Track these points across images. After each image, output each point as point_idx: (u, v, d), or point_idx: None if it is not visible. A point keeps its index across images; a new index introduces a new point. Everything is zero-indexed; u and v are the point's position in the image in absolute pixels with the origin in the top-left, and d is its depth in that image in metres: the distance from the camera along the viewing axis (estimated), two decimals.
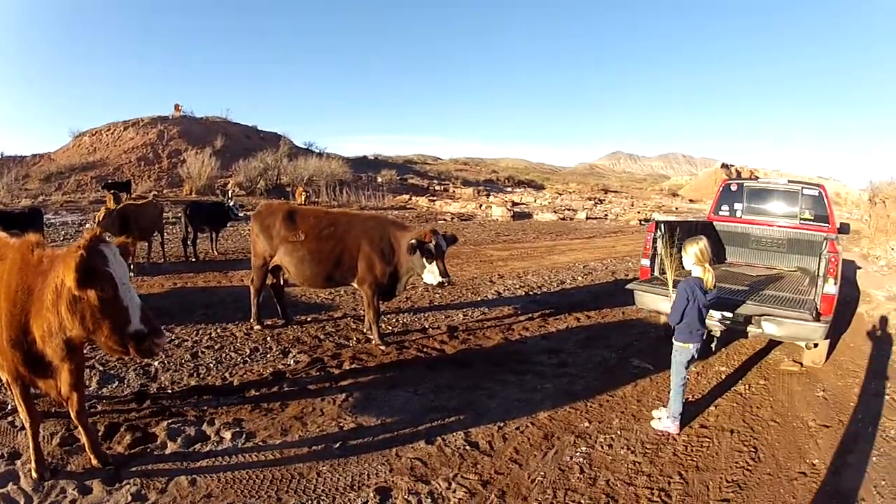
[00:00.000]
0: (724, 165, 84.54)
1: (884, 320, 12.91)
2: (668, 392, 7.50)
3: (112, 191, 28.93)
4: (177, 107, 61.56)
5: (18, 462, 5.83)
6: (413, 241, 9.32)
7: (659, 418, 7.47)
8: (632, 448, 6.73)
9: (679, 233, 11.04)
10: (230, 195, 26.35)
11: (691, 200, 71.85)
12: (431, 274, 9.42)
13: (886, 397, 8.81)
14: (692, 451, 6.76)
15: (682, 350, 7.29)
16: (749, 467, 6.44)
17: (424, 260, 9.39)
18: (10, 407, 6.92)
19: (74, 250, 4.59)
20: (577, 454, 6.52)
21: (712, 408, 8.04)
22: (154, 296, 12.85)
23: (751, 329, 9.00)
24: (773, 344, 10.88)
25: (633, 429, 7.24)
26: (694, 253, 7.19)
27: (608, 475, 6.09)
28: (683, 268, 8.22)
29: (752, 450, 6.86)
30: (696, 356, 7.39)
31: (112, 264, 4.69)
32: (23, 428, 6.10)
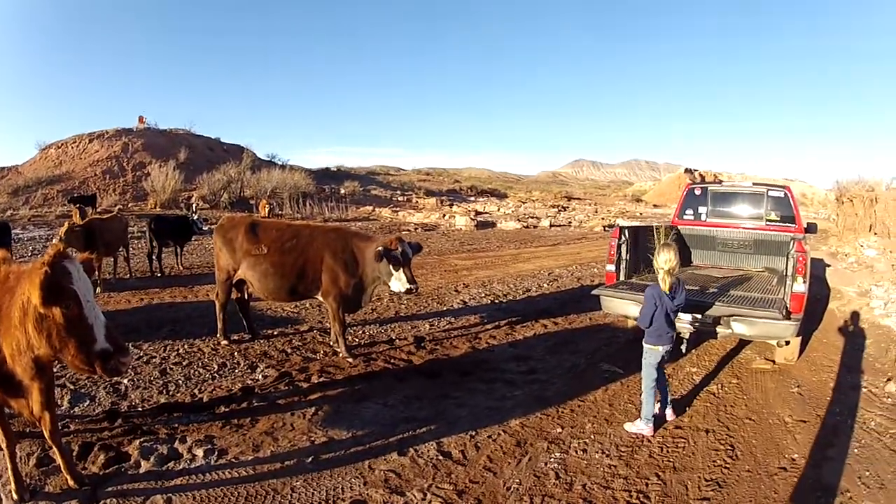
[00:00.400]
0: (687, 170, 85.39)
1: (855, 315, 13.13)
2: (640, 395, 7.53)
3: (78, 205, 29.23)
4: (141, 119, 61.76)
5: None
6: (380, 248, 9.30)
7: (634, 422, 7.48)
8: (606, 452, 6.70)
9: (643, 238, 11.20)
10: (194, 209, 26.40)
11: (655, 205, 72.44)
12: (399, 281, 9.40)
13: (864, 390, 8.90)
14: (668, 452, 6.74)
15: (651, 352, 7.40)
16: (727, 465, 6.44)
17: (391, 267, 9.37)
18: None
19: (39, 267, 4.53)
20: (552, 460, 6.47)
21: (686, 408, 8.03)
22: (121, 312, 12.71)
23: (720, 329, 9.07)
24: (743, 343, 10.95)
25: (607, 433, 7.21)
26: (662, 260, 7.24)
27: (584, 479, 6.06)
28: (647, 272, 8.28)
29: (729, 448, 6.87)
30: (666, 358, 7.48)
31: (76, 281, 4.61)
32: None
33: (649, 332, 7.36)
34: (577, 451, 6.69)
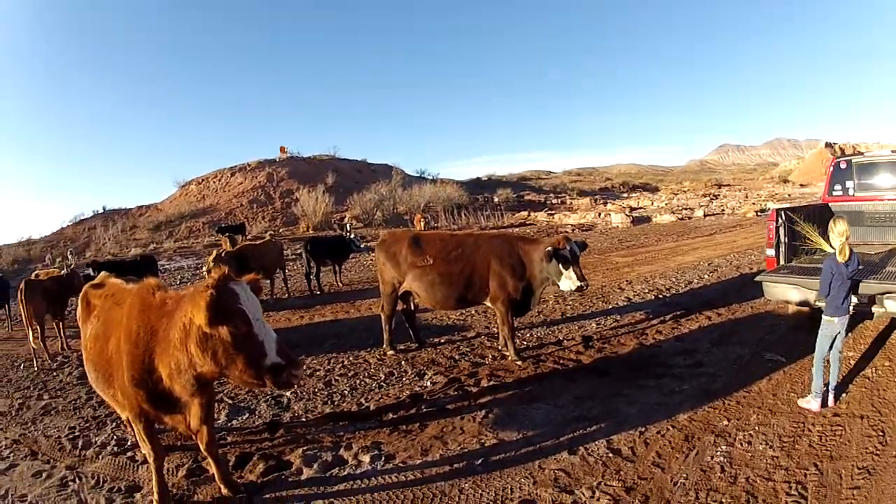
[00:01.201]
0: (828, 144, 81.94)
1: None
2: (806, 380, 7.72)
3: (227, 234, 30.06)
4: (282, 149, 62.92)
5: (138, 495, 6.08)
6: (549, 249, 9.31)
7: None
8: (770, 443, 6.58)
9: (799, 217, 10.81)
10: (349, 228, 26.67)
11: (801, 185, 69.76)
12: (569, 280, 9.36)
13: None
14: (826, 440, 6.58)
15: (827, 323, 7.39)
16: (878, 452, 6.24)
17: (560, 266, 9.35)
18: (129, 443, 7.24)
19: (203, 290, 4.69)
20: (718, 453, 6.42)
21: (843, 394, 7.78)
22: (281, 330, 12.35)
23: (875, 308, 8.66)
24: (892, 324, 10.44)
25: (771, 423, 7.08)
26: (838, 231, 7.42)
27: (748, 472, 5.99)
28: (804, 254, 8.17)
29: (881, 433, 6.64)
30: (842, 332, 7.45)
31: (244, 301, 4.76)
32: (143, 462, 6.40)
33: (827, 302, 7.36)
34: (742, 444, 6.60)
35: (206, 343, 4.72)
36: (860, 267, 7.94)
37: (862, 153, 13.45)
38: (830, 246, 7.74)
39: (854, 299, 8.10)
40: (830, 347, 7.44)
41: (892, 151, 13.03)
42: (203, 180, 57.35)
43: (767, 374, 8.75)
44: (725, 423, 7.19)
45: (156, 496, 5.71)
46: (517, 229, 37.05)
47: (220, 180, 56.69)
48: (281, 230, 42.18)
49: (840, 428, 6.87)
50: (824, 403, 7.44)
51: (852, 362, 8.98)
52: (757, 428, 6.99)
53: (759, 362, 9.30)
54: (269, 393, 8.76)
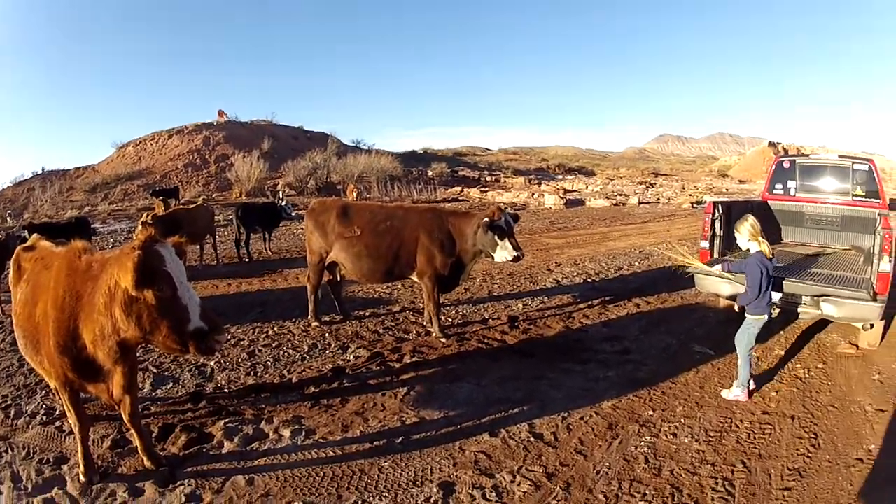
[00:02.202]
0: (771, 144, 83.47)
1: None
2: (734, 374, 7.86)
3: (161, 197, 29.67)
4: (220, 112, 62.19)
5: (65, 467, 5.91)
6: (485, 220, 9.32)
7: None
8: (696, 436, 6.64)
9: (735, 213, 10.87)
10: (281, 195, 26.51)
11: (741, 181, 71.16)
12: (505, 251, 9.37)
13: None
14: (755, 438, 6.65)
15: (757, 322, 7.58)
16: (809, 454, 6.33)
17: (496, 237, 9.34)
18: (57, 412, 7.03)
19: (129, 251, 4.60)
20: (642, 444, 6.45)
21: (773, 393, 7.90)
22: (208, 298, 12.48)
23: (808, 310, 8.92)
24: (824, 325, 10.68)
25: (697, 416, 7.15)
26: (747, 230, 7.54)
27: (672, 465, 6.02)
28: (739, 248, 8.30)
29: (813, 436, 6.74)
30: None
31: (169, 263, 4.69)
32: (70, 433, 6.24)
33: (755, 302, 7.47)
34: (667, 435, 6.65)
35: (131, 307, 4.65)
36: (779, 276, 8.35)
37: (807, 154, 13.67)
38: (738, 248, 8.25)
39: (776, 297, 8.32)
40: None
41: (840, 156, 13.30)
42: (141, 142, 56.49)
43: (695, 366, 8.86)
44: (650, 413, 7.24)
45: (81, 468, 5.60)
46: (450, 204, 36.80)
47: (157, 143, 55.90)
48: (214, 195, 41.83)
49: (769, 427, 6.94)
50: (750, 395, 7.67)
51: (784, 361, 9.14)
52: (683, 420, 7.05)
53: (687, 354, 9.42)
54: (194, 362, 8.66)
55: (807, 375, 8.60)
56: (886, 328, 10.06)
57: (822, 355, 9.47)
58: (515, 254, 9.38)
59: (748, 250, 7.80)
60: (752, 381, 7.81)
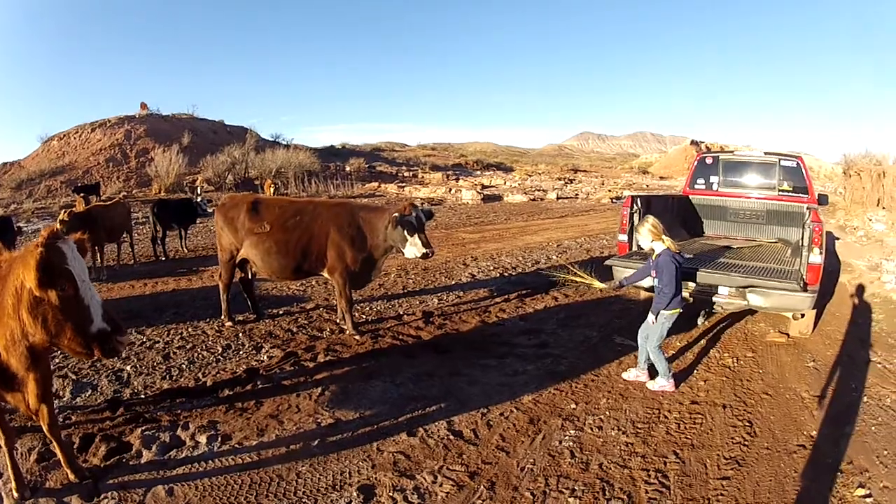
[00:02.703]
0: (693, 142, 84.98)
1: (867, 289, 12.97)
2: (646, 360, 7.92)
3: (81, 194, 28.98)
4: (143, 105, 61.05)
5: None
6: (395, 215, 9.18)
7: (636, 378, 7.94)
8: (622, 429, 6.51)
9: (655, 207, 10.96)
10: (199, 191, 26.25)
11: (661, 177, 72.26)
12: (414, 247, 9.22)
13: (878, 365, 8.70)
14: (686, 428, 6.55)
15: (671, 316, 7.55)
16: (746, 442, 6.27)
17: (406, 233, 9.19)
18: None
19: (32, 249, 4.41)
20: (566, 438, 6.29)
21: (702, 383, 7.86)
22: (124, 299, 12.51)
23: (734, 301, 8.95)
24: (746, 314, 10.81)
25: (623, 408, 7.03)
26: (648, 229, 7.65)
27: (601, 458, 5.87)
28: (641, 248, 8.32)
29: (747, 424, 6.69)
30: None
31: (71, 261, 4.48)
32: None
33: (673, 297, 7.43)
34: (592, 429, 6.51)
35: (37, 308, 4.48)
36: (697, 267, 8.69)
37: (731, 151, 13.86)
38: (639, 247, 8.59)
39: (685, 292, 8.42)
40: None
41: (765, 153, 13.59)
42: (65, 136, 55.30)
43: (617, 357, 8.80)
44: (573, 406, 7.11)
45: (13, 483, 5.34)
46: (366, 200, 36.85)
47: (80, 136, 54.77)
48: (134, 191, 41.50)
49: (700, 416, 6.86)
50: (676, 384, 7.74)
51: (710, 351, 9.13)
52: (608, 413, 6.93)
53: (609, 346, 9.38)
54: (110, 367, 8.39)
55: (736, 364, 8.58)
56: (818, 317, 10.18)
57: (750, 344, 9.49)
58: (424, 250, 9.22)
59: (652, 250, 7.81)
60: (648, 371, 7.91)
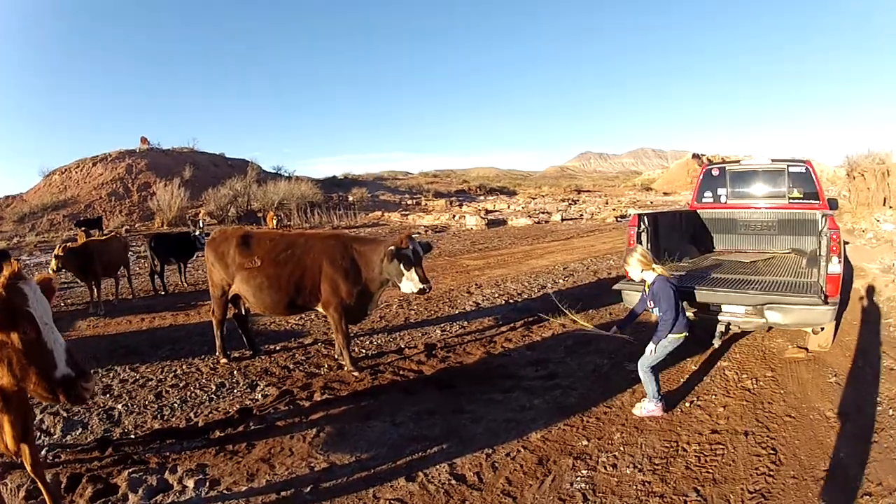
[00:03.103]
0: (695, 156, 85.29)
1: (883, 294, 12.59)
2: (671, 392, 7.80)
3: (83, 228, 29.63)
4: (143, 139, 62.12)
5: None
6: (391, 248, 8.90)
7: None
8: (638, 465, 6.05)
9: (662, 224, 10.70)
10: (201, 224, 26.28)
11: (665, 193, 72.41)
12: (411, 282, 8.94)
13: None
14: (706, 461, 6.09)
15: (676, 340, 7.30)
16: (771, 472, 5.81)
17: (402, 267, 8.90)
18: None
19: None
20: (578, 479, 5.83)
21: (721, 409, 7.40)
22: (120, 335, 12.32)
23: (751, 320, 8.51)
24: (763, 331, 10.31)
25: (638, 442, 6.57)
26: (637, 260, 7.48)
27: (615, 500, 5.41)
28: (667, 262, 8.17)
29: (772, 451, 6.24)
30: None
31: (32, 303, 4.25)
32: None
33: (677, 322, 7.17)
34: (605, 467, 6.04)
35: (2, 352, 4.29)
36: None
37: (737, 161, 13.43)
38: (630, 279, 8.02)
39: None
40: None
41: (772, 160, 13.05)
42: (66, 170, 56.48)
43: (629, 386, 8.32)
44: (585, 443, 6.66)
45: None
46: (370, 229, 37.25)
47: (81, 170, 55.92)
48: (137, 225, 42.32)
49: (721, 447, 6.42)
50: (666, 408, 7.43)
51: (728, 374, 8.69)
52: (622, 448, 6.47)
53: (620, 373, 8.94)
54: (102, 406, 8.22)
55: (756, 386, 8.14)
56: (836, 328, 9.72)
57: (769, 362, 9.06)
58: (421, 286, 8.95)
59: (643, 281, 7.59)
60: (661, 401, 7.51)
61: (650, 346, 7.24)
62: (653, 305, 7.35)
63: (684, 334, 7.28)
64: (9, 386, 4.41)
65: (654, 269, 7.36)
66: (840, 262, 8.07)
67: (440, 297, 14.85)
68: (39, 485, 5.30)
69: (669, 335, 7.20)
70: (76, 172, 55.42)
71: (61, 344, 4.34)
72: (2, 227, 43.08)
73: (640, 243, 10.08)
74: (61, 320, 13.24)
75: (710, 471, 5.88)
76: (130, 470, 6.30)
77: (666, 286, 7.21)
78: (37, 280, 4.53)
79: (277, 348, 10.83)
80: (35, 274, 20.81)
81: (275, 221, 35.77)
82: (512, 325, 11.94)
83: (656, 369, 7.36)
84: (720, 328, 8.85)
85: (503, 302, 14.37)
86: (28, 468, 5.09)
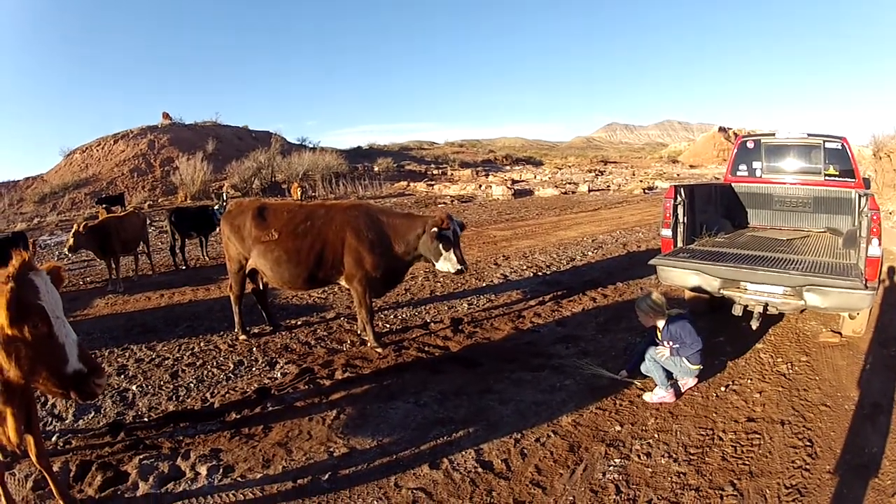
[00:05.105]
0: (721, 129, 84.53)
1: None
2: (709, 373, 7.61)
3: (104, 205, 29.01)
4: (165, 115, 61.91)
5: None
6: (434, 229, 8.72)
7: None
8: (673, 455, 5.77)
9: (698, 197, 10.43)
10: (225, 197, 26.04)
11: (692, 166, 71.93)
12: (448, 262, 8.82)
13: None
14: (743, 452, 5.81)
15: (692, 371, 7.18)
16: (807, 466, 5.53)
17: (442, 247, 8.74)
18: None
19: (3, 282, 4.08)
20: (611, 468, 5.57)
21: (757, 395, 7.10)
22: (138, 312, 12.10)
23: (790, 301, 8.03)
24: (801, 313, 9.78)
25: (673, 429, 6.30)
26: (650, 307, 7.22)
27: (650, 493, 5.14)
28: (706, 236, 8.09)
29: (808, 443, 5.95)
30: None
31: (44, 295, 4.15)
32: None
33: (696, 352, 7.07)
34: (639, 456, 5.77)
35: (10, 346, 4.16)
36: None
37: (773, 133, 12.96)
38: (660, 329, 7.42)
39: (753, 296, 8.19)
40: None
41: (808, 135, 12.51)
42: (87, 149, 56.07)
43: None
44: (618, 428, 6.39)
45: None
46: (395, 199, 37.24)
47: (102, 148, 55.57)
48: (160, 200, 42.12)
49: (757, 436, 6.13)
50: (678, 394, 7.22)
51: (763, 357, 8.39)
52: (656, 435, 6.20)
53: None
54: (116, 387, 8.00)
55: (791, 371, 7.83)
56: (870, 313, 9.27)
57: (803, 346, 8.73)
58: (459, 267, 8.86)
59: (655, 326, 7.32)
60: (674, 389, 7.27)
61: (665, 350, 7.02)
62: (672, 345, 7.05)
63: (700, 366, 7.15)
64: (16, 380, 4.30)
65: (665, 317, 7.17)
66: (881, 244, 7.72)
67: (468, 270, 14.45)
68: (46, 475, 5.25)
69: (687, 364, 7.04)
70: (97, 150, 55.37)
71: (73, 338, 4.22)
72: (23, 207, 43.15)
73: (677, 216, 9.78)
74: (80, 299, 13.35)
75: (747, 462, 5.62)
76: (142, 456, 6.15)
77: (685, 324, 7.06)
78: (46, 269, 4.41)
79: (298, 323, 10.63)
80: (56, 253, 20.96)
81: (300, 192, 35.86)
82: (541, 298, 11.69)
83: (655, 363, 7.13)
84: (758, 309, 8.46)
85: (531, 274, 14.13)
86: (33, 459, 5.04)
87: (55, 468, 5.47)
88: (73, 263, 18.25)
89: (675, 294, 10.81)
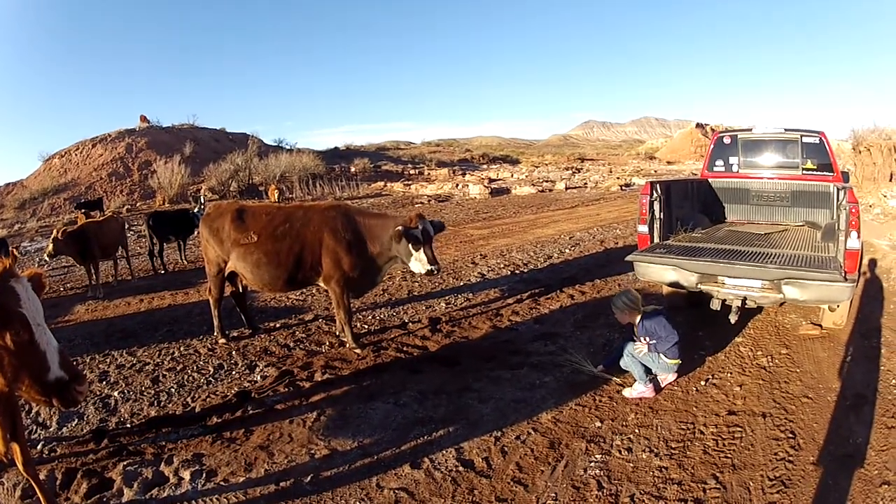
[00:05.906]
0: (698, 125, 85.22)
1: (893, 270, 12.41)
2: (690, 368, 7.69)
3: (83, 210, 28.91)
4: (142, 118, 61.61)
5: None
6: (399, 228, 8.62)
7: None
8: (654, 449, 5.79)
9: (675, 193, 10.45)
10: (202, 200, 26.02)
11: (669, 162, 72.32)
12: (419, 262, 8.70)
13: None
14: (724, 445, 5.85)
15: (671, 367, 7.25)
16: (790, 458, 5.56)
17: (411, 247, 8.67)
18: None
19: None
20: (592, 464, 5.58)
21: (738, 388, 7.14)
22: (118, 317, 12.07)
23: (768, 295, 8.10)
24: (780, 306, 9.91)
25: (654, 424, 6.32)
26: (626, 304, 7.34)
27: (632, 489, 5.15)
28: (682, 232, 8.43)
29: (790, 435, 5.99)
30: None
31: (25, 303, 4.07)
32: None
33: (675, 346, 7.16)
34: (620, 451, 5.79)
35: None
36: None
37: (749, 129, 13.02)
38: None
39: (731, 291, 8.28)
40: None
41: (786, 129, 12.65)
42: (66, 153, 55.84)
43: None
44: (598, 424, 6.41)
45: None
46: (373, 200, 37.31)
47: (81, 152, 55.36)
48: (138, 203, 42.06)
49: (739, 429, 6.17)
50: (657, 389, 7.24)
51: (743, 350, 8.46)
52: (637, 431, 6.23)
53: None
54: (98, 394, 7.96)
55: (771, 364, 7.88)
56: (851, 305, 9.37)
57: (783, 339, 8.81)
58: (429, 267, 8.69)
59: (630, 323, 7.45)
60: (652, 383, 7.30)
61: (643, 347, 7.05)
62: (648, 340, 7.09)
63: (678, 361, 7.21)
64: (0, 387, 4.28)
65: (640, 313, 7.26)
66: (859, 237, 7.77)
67: (444, 269, 14.47)
68: (33, 484, 5.18)
69: (665, 360, 7.10)
70: (76, 155, 55.09)
71: (54, 346, 4.17)
72: (3, 214, 43.02)
73: (653, 212, 9.83)
74: (60, 305, 13.25)
75: (729, 455, 5.65)
76: (126, 462, 6.12)
77: (660, 318, 7.14)
78: (27, 275, 4.33)
79: (277, 326, 10.63)
80: (37, 260, 20.85)
81: (277, 194, 35.88)
82: (518, 296, 11.71)
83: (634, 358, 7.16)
84: (737, 303, 8.50)
85: (509, 273, 14.16)
86: (20, 468, 4.98)
87: (41, 476, 5.43)
88: (53, 269, 18.15)
89: (653, 290, 10.88)
